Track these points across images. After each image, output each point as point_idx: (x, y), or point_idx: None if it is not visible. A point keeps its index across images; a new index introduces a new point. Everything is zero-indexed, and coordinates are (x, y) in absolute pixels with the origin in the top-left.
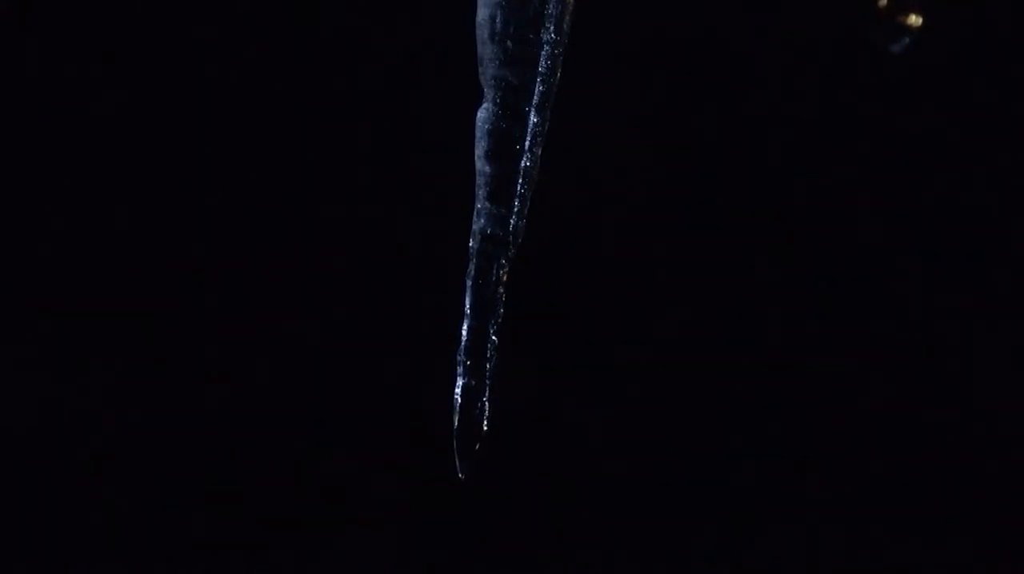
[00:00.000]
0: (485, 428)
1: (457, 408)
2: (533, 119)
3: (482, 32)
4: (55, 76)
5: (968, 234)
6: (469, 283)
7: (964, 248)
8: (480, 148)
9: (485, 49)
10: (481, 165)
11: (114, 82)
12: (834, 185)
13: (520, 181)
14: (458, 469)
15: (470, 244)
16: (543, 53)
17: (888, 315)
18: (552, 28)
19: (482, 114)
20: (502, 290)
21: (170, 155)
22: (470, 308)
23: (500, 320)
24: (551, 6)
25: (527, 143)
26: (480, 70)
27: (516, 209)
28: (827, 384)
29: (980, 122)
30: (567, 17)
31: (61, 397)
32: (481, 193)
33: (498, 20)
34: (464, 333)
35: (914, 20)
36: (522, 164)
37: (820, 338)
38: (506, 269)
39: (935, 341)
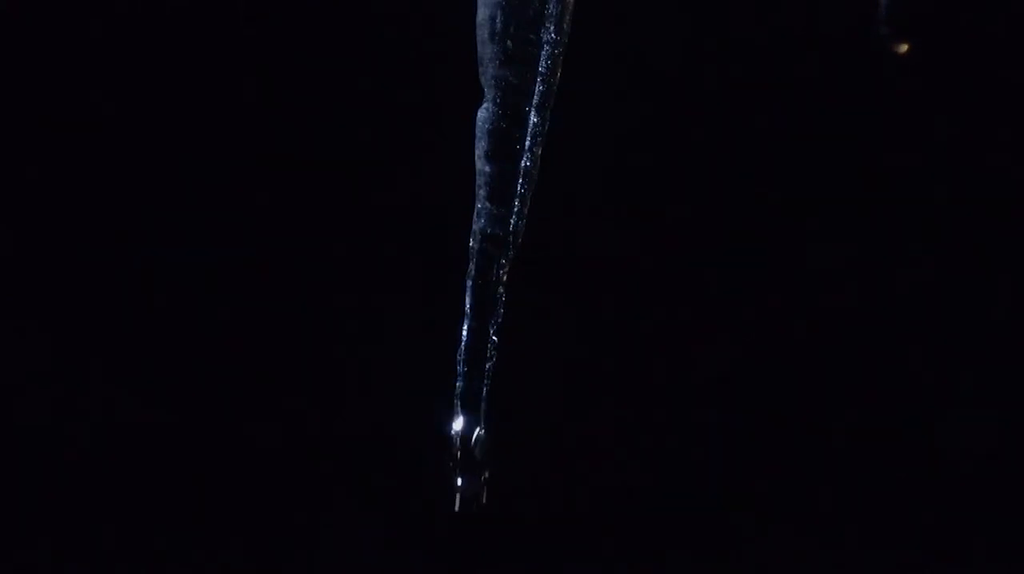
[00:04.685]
0: (484, 428)
1: (457, 407)
2: (533, 119)
3: (482, 32)
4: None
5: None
6: (469, 283)
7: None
8: (480, 148)
9: (485, 49)
10: (481, 165)
11: (107, 79)
12: (833, 187)
13: (520, 181)
14: (458, 469)
15: (470, 244)
16: (543, 53)
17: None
18: (552, 28)
19: (482, 114)
20: (502, 290)
21: (171, 155)
22: (470, 308)
23: (500, 320)
24: (551, 6)
25: (527, 143)
26: (480, 70)
27: (516, 209)
28: (826, 385)
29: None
30: (567, 17)
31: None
32: (481, 193)
33: (498, 20)
34: (464, 333)
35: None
36: (522, 164)
37: (820, 337)
38: (506, 269)
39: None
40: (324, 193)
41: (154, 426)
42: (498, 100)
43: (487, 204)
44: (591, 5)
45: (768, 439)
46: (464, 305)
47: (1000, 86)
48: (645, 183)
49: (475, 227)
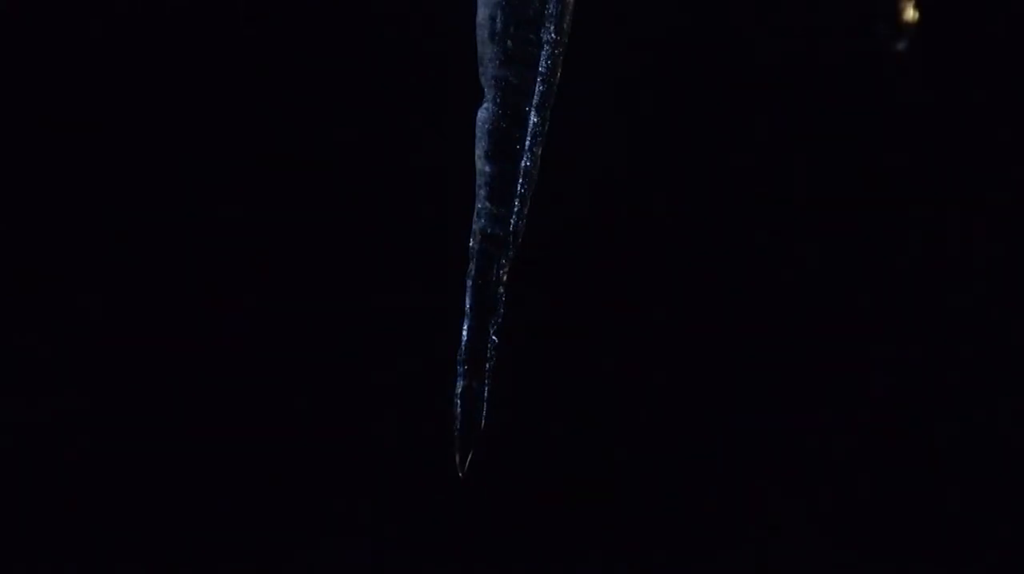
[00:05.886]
0: (483, 427)
1: (457, 407)
2: (533, 119)
3: (482, 32)
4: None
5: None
6: (469, 283)
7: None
8: (480, 148)
9: (485, 49)
10: (481, 165)
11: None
12: (831, 187)
13: (520, 181)
14: (458, 468)
15: (470, 244)
16: (543, 53)
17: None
18: (552, 28)
19: (482, 114)
20: (502, 290)
21: (170, 155)
22: (470, 308)
23: (500, 320)
24: (551, 6)
25: (527, 143)
26: (480, 70)
27: (516, 209)
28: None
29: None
30: (567, 17)
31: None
32: (481, 193)
33: (498, 20)
34: (464, 333)
35: (911, 15)
36: (522, 164)
37: (820, 337)
38: (506, 269)
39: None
40: (324, 193)
41: (153, 426)
42: (498, 100)
43: (487, 204)
44: (591, 5)
45: (768, 439)
46: (464, 305)
47: (1000, 86)
48: (645, 183)
49: (475, 227)
